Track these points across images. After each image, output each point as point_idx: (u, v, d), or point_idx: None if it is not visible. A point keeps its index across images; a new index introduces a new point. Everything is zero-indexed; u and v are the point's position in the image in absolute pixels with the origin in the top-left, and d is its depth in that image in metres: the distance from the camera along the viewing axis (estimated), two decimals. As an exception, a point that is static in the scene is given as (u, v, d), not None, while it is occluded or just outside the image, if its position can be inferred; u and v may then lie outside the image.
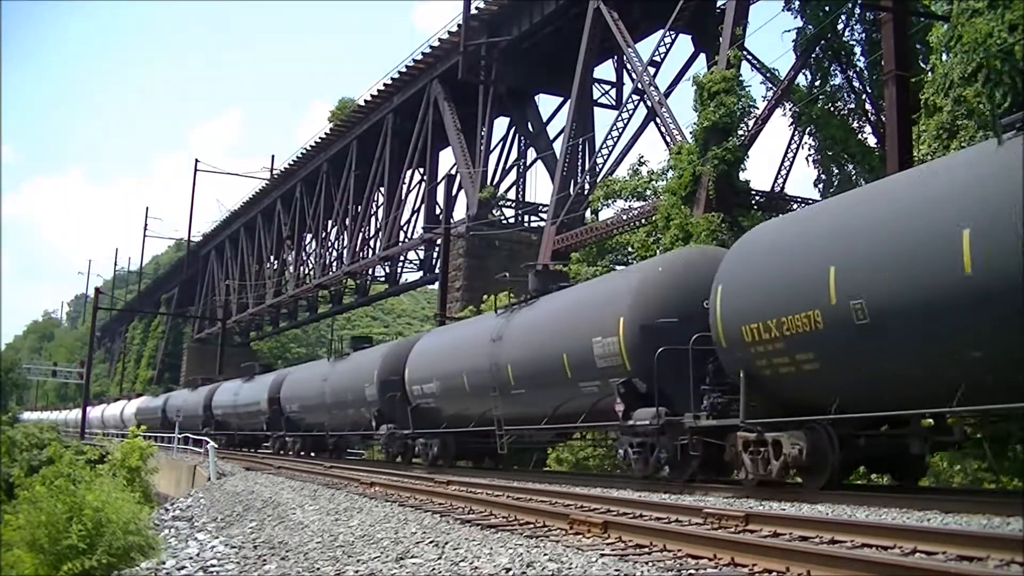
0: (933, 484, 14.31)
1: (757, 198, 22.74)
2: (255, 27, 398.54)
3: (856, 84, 24.37)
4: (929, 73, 15.90)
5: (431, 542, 7.23)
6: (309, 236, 53.50)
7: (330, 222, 49.68)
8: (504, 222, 35.71)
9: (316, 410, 26.52)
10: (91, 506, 9.58)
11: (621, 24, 25.94)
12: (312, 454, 28.53)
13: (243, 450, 34.34)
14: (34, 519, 9.77)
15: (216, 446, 22.16)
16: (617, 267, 24.56)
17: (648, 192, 24.78)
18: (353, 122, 45.31)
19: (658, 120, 25.42)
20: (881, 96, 20.35)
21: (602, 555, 6.18)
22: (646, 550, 6.41)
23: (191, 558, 8.26)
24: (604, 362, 12.96)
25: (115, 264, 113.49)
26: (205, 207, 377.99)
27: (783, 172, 24.72)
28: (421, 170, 41.31)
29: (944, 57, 14.65)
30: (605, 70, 35.64)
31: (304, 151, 50.87)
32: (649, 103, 25.81)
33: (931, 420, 10.11)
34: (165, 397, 48.18)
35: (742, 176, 21.19)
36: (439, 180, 41.78)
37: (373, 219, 45.04)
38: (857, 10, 22.72)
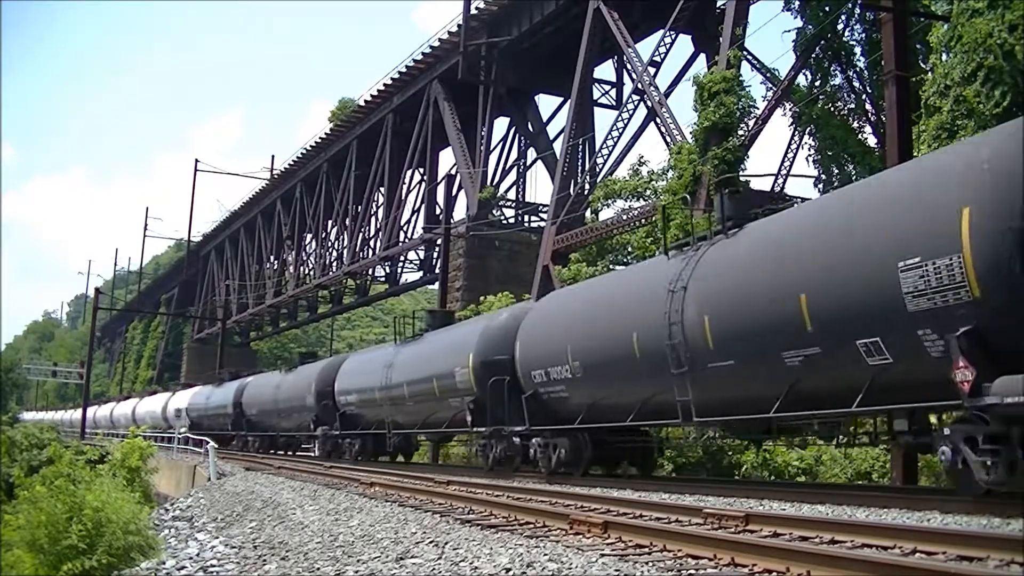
0: (933, 484, 14.31)
1: (757, 198, 22.74)
2: (256, 27, 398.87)
3: (856, 84, 24.34)
4: (929, 73, 15.90)
5: (431, 542, 7.23)
6: (309, 236, 53.54)
7: (330, 222, 49.71)
8: (504, 222, 35.74)
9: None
10: (91, 506, 9.59)
11: (621, 24, 25.95)
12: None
13: (393, 461, 23.39)
14: (34, 519, 9.77)
15: (216, 446, 22.10)
16: (617, 267, 24.58)
17: (648, 192, 24.78)
18: (353, 122, 45.33)
19: (658, 120, 25.43)
20: (881, 96, 20.33)
21: (602, 555, 6.17)
22: (646, 550, 6.41)
23: (191, 558, 8.27)
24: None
25: (115, 264, 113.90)
26: (205, 207, 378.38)
27: (783, 172, 24.72)
28: (421, 170, 41.33)
29: (944, 57, 14.64)
30: (605, 70, 35.74)
31: (304, 151, 50.91)
32: (649, 103, 25.81)
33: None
34: (239, 385, 33.50)
35: (742, 176, 21.19)
36: (439, 180, 41.83)
37: (373, 219, 45.08)
38: (857, 10, 22.69)
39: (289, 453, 29.72)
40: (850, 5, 22.74)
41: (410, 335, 21.61)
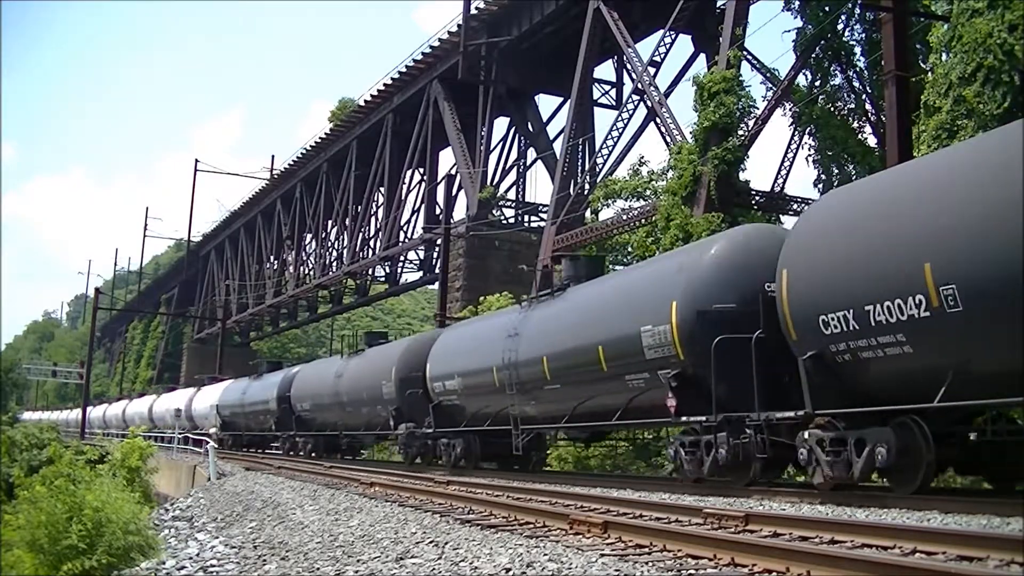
0: (933, 484, 14.30)
1: (757, 198, 22.76)
2: (257, 27, 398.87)
3: (856, 84, 24.37)
4: (929, 73, 15.90)
5: (431, 542, 7.23)
6: (309, 236, 53.54)
7: (330, 222, 49.72)
8: (504, 222, 35.73)
9: None
10: (91, 506, 9.59)
11: (621, 24, 25.95)
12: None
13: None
14: (34, 519, 9.78)
15: (216, 446, 22.05)
16: (616, 267, 24.56)
17: (648, 192, 24.78)
18: (353, 122, 45.34)
19: (658, 120, 25.42)
20: (881, 96, 20.35)
21: (602, 555, 6.17)
22: (646, 550, 6.40)
23: (191, 558, 8.27)
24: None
25: (115, 264, 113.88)
26: (205, 207, 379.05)
27: (783, 172, 24.74)
28: (421, 170, 41.33)
29: (944, 57, 14.64)
30: (605, 70, 35.74)
31: (304, 151, 50.92)
32: (649, 103, 25.80)
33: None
34: (284, 376, 28.99)
35: (742, 176, 21.22)
36: (439, 180, 41.84)
37: (373, 219, 45.08)
38: (857, 10, 22.71)
39: (364, 455, 25.05)
40: (850, 5, 22.75)
41: (543, 292, 16.38)
